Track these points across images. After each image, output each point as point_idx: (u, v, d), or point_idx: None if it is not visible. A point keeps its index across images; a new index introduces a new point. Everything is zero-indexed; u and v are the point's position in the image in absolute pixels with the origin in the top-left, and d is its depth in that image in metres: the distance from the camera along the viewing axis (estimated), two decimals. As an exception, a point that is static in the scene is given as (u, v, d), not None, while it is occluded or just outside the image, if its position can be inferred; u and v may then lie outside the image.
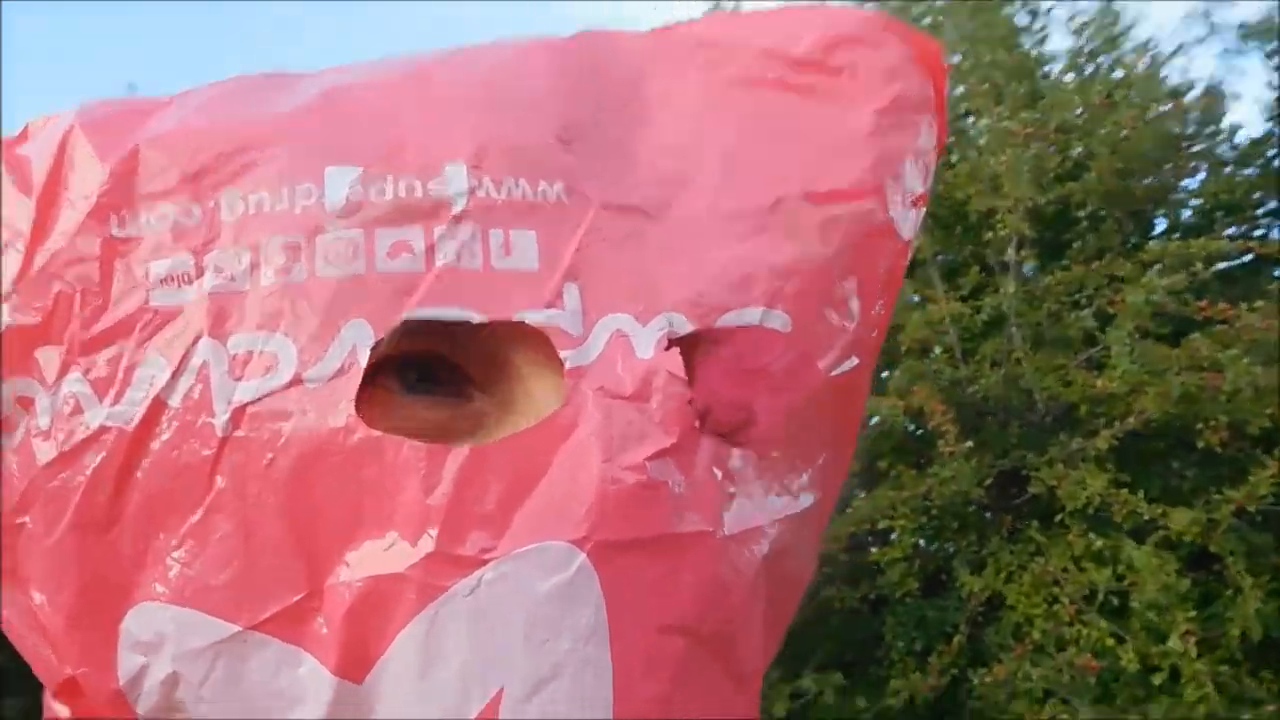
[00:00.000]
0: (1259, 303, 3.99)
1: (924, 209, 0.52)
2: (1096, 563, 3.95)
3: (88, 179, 0.46)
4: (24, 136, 0.51)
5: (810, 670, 4.11)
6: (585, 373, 0.41)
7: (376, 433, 0.41)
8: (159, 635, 0.42)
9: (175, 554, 0.42)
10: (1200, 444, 3.90)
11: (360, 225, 0.43)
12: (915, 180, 0.52)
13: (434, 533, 0.39)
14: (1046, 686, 3.86)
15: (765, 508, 0.45)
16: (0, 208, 0.47)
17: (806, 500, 0.48)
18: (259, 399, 0.41)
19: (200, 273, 0.43)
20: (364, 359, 0.41)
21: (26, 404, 0.45)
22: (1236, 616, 3.69)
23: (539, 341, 0.42)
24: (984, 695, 3.95)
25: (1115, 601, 3.89)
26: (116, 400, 0.42)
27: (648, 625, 0.40)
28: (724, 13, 0.52)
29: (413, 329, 0.42)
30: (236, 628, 0.40)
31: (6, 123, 0.54)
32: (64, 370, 0.44)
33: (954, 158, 4.79)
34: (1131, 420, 3.90)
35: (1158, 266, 4.28)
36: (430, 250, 0.43)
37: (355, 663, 0.39)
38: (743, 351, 0.45)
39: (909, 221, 0.51)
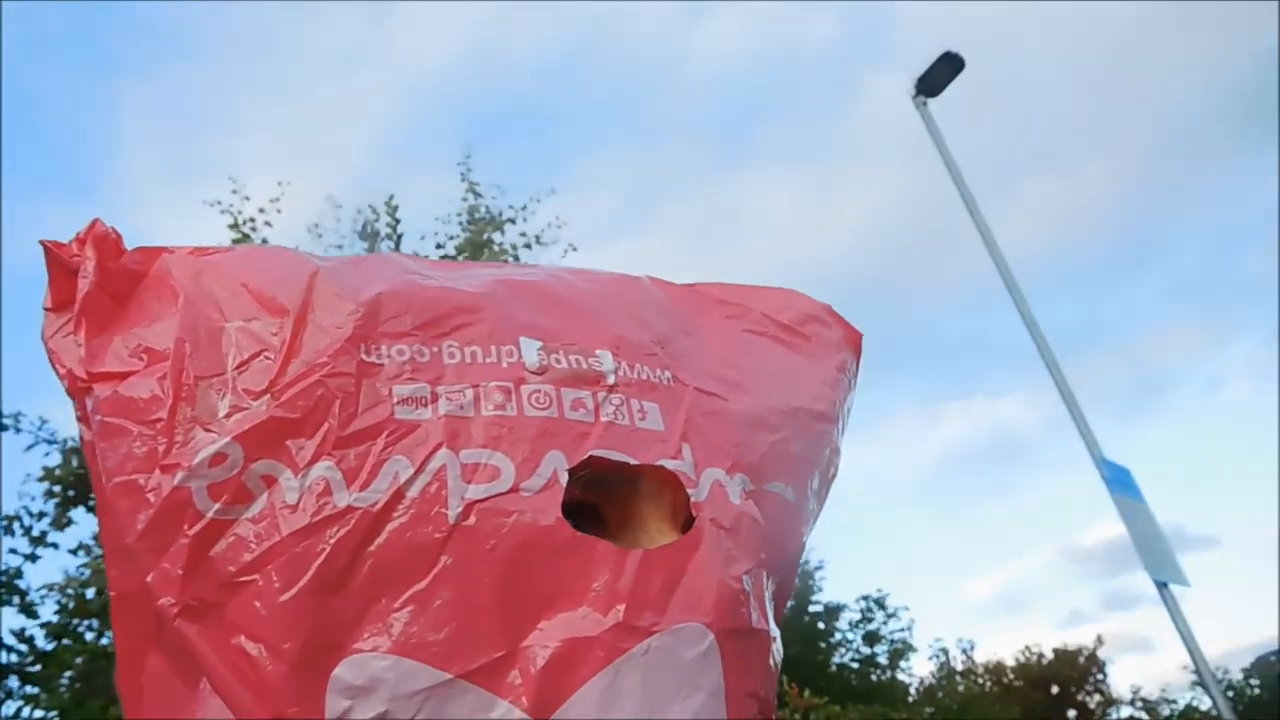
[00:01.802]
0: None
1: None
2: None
3: (337, 312, 0.59)
4: (156, 253, 0.62)
5: None
6: (701, 507, 0.59)
7: (581, 534, 0.55)
8: (374, 680, 0.51)
9: (398, 614, 0.52)
10: None
11: (550, 382, 0.60)
12: (846, 417, 0.76)
13: (621, 609, 0.54)
14: None
15: (775, 626, 0.64)
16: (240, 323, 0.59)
17: (775, 626, 0.66)
18: (487, 499, 0.54)
19: (435, 399, 0.57)
20: (564, 479, 0.56)
21: (269, 481, 0.54)
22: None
23: (659, 497, 0.60)
24: None
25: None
26: (364, 487, 0.54)
27: (742, 690, 0.56)
28: (732, 285, 0.79)
29: (577, 484, 0.57)
30: (449, 675, 0.51)
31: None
32: (316, 458, 0.54)
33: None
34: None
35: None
36: (597, 408, 0.60)
37: (543, 706, 0.51)
38: (770, 511, 0.65)
39: (842, 443, 0.76)
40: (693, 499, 0.59)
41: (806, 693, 4.72)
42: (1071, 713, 17.20)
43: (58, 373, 0.58)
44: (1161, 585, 4.61)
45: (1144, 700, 17.20)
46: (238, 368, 0.56)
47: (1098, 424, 5.60)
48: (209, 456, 0.54)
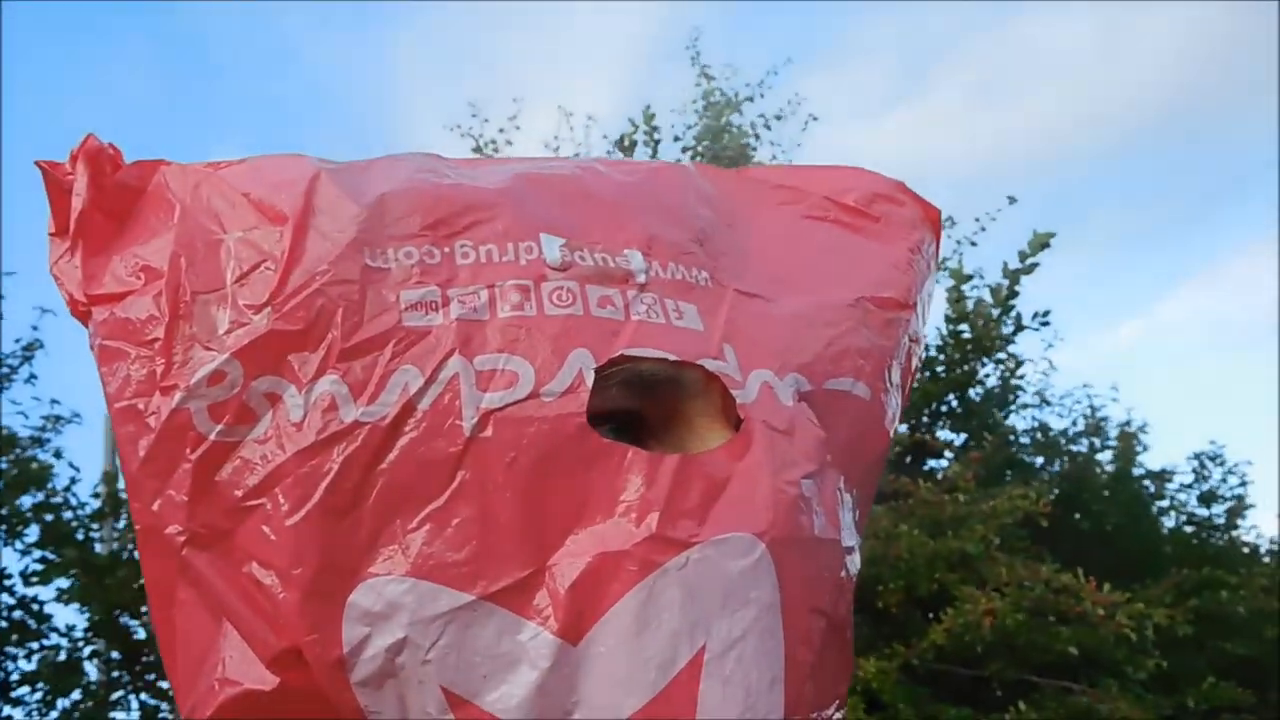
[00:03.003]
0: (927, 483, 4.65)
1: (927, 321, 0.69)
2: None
3: (340, 217, 0.54)
4: (214, 171, 0.58)
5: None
6: (749, 409, 0.54)
7: (605, 439, 0.51)
8: (391, 605, 0.48)
9: (414, 535, 0.49)
10: (879, 605, 4.41)
11: (574, 279, 0.55)
12: (927, 301, 0.69)
13: (655, 518, 0.49)
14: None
15: (853, 534, 0.58)
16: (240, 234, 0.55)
17: (856, 540, 0.60)
18: (504, 407, 0.50)
19: (446, 302, 0.52)
20: (590, 379, 0.51)
21: (274, 399, 0.51)
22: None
23: (707, 394, 0.54)
24: None
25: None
26: (371, 400, 0.50)
27: (804, 606, 0.51)
28: (789, 167, 0.69)
29: (613, 386, 0.53)
30: (471, 597, 0.48)
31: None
32: (320, 372, 0.51)
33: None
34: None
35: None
36: (627, 307, 0.55)
37: (573, 627, 0.48)
38: (839, 411, 0.59)
39: (924, 330, 0.69)
40: (739, 401, 0.54)
41: (1106, 587, 4.30)
42: None
43: (64, 300, 0.56)
44: None
45: None
46: (237, 281, 0.53)
47: None
48: (207, 375, 0.51)
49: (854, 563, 0.57)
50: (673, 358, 0.53)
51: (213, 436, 0.51)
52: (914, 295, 0.66)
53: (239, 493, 0.50)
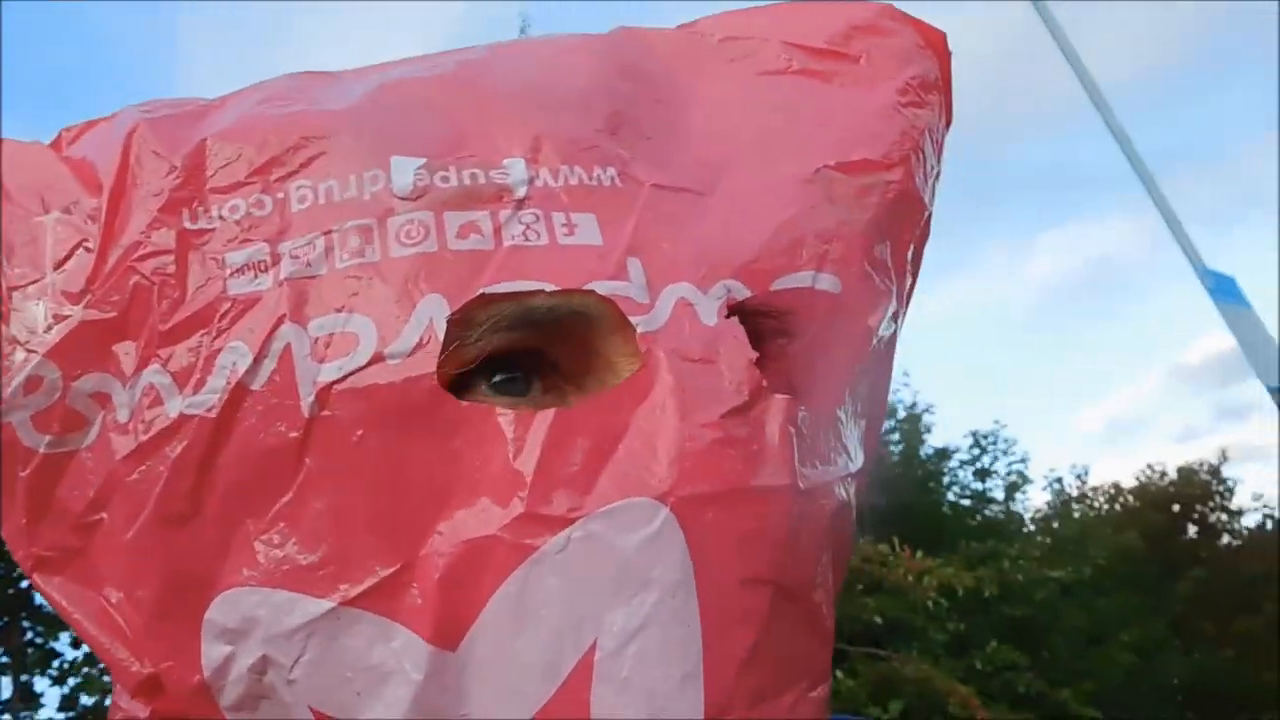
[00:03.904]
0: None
1: (937, 181, 0.56)
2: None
3: (157, 174, 0.47)
4: (60, 143, 0.52)
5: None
6: (655, 338, 0.43)
7: (463, 403, 0.42)
8: (247, 620, 0.42)
9: (264, 536, 0.42)
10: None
11: (429, 208, 0.45)
12: (931, 154, 0.55)
13: (523, 494, 0.40)
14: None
15: (831, 464, 0.47)
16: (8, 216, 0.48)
17: (859, 460, 0.49)
18: (343, 378, 0.42)
19: (276, 260, 0.44)
20: (441, 331, 0.42)
21: (103, 400, 0.45)
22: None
23: (627, 330, 0.43)
24: None
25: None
26: (197, 389, 0.43)
27: (732, 578, 0.41)
28: (743, 10, 0.55)
29: (512, 327, 0.43)
30: (331, 604, 0.41)
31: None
32: (143, 363, 0.44)
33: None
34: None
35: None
36: (498, 230, 0.44)
37: (449, 630, 0.40)
38: (799, 313, 0.47)
39: (929, 192, 0.55)
40: (641, 330, 0.43)
41: (919, 554, 4.55)
42: (1193, 529, 17.01)
43: None
44: (1275, 391, 4.53)
45: (1267, 507, 17.00)
46: (56, 268, 0.46)
47: (1197, 238, 5.37)
48: (21, 383, 0.45)
49: (834, 499, 0.46)
50: (548, 287, 0.43)
51: (42, 449, 0.45)
52: (902, 148, 0.53)
53: (78, 508, 0.45)
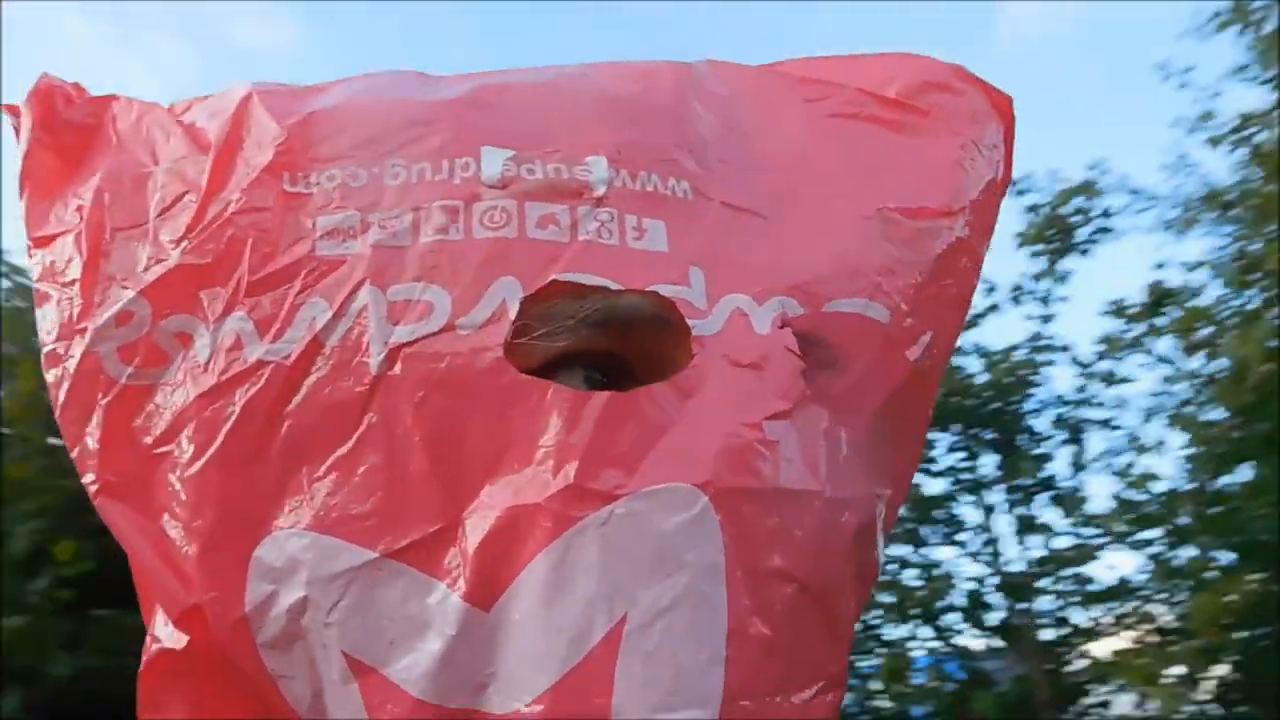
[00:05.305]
0: None
1: (991, 237, 0.58)
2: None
3: (264, 139, 0.50)
4: (173, 110, 0.56)
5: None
6: (709, 342, 0.46)
7: (525, 376, 0.44)
8: (293, 561, 0.44)
9: (320, 484, 0.44)
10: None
11: (513, 197, 0.48)
12: (989, 211, 0.58)
13: (572, 467, 0.42)
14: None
15: (860, 482, 0.49)
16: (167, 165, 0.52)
17: (885, 491, 0.51)
18: (414, 341, 0.44)
19: (365, 228, 0.47)
20: (514, 311, 0.44)
21: (185, 340, 0.48)
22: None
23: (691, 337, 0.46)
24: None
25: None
26: (277, 338, 0.46)
27: (761, 570, 0.43)
28: (822, 57, 0.60)
29: (596, 325, 0.46)
30: (374, 554, 0.43)
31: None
32: (229, 309, 0.47)
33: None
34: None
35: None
36: (574, 225, 0.47)
37: (486, 591, 0.42)
38: (846, 343, 0.50)
39: (983, 245, 0.57)
40: (697, 332, 0.46)
41: None
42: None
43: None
44: None
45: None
46: (160, 215, 0.50)
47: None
48: (114, 315, 0.48)
49: (860, 516, 0.48)
50: (614, 286, 0.46)
51: (123, 380, 0.48)
52: (961, 199, 0.55)
53: (149, 439, 0.47)
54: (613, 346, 0.47)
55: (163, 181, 0.51)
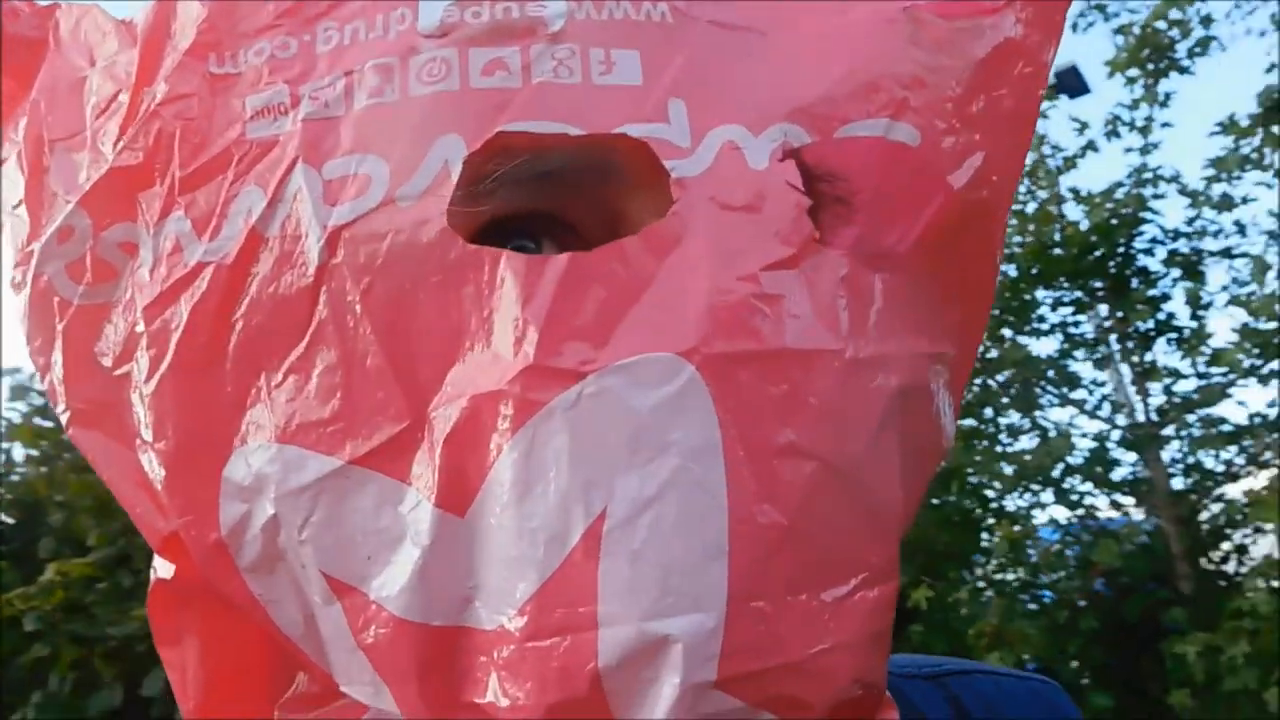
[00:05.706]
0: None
1: (1060, 38, 0.48)
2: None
3: (187, 21, 0.46)
4: (50, 11, 0.52)
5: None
6: (693, 184, 0.38)
7: (474, 246, 0.38)
8: (260, 476, 0.40)
9: (279, 391, 0.40)
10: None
11: (454, 44, 0.41)
12: (1054, 4, 0.47)
13: (531, 345, 0.36)
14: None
15: (903, 339, 0.41)
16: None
17: (944, 350, 0.43)
18: (352, 221, 0.39)
19: (296, 103, 0.42)
20: (456, 173, 0.39)
21: (130, 249, 0.44)
22: None
23: (658, 187, 0.39)
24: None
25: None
26: (214, 236, 0.41)
27: (768, 447, 0.36)
28: None
29: (522, 183, 0.40)
30: (339, 462, 0.38)
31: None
32: (166, 211, 0.43)
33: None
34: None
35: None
36: (526, 68, 0.41)
37: (457, 494, 0.37)
38: (864, 172, 0.42)
39: (1050, 49, 0.47)
40: (678, 175, 0.38)
41: None
42: None
43: None
44: None
45: None
46: (96, 118, 0.46)
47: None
48: (54, 232, 0.45)
49: (904, 379, 0.40)
50: (574, 131, 0.39)
51: (77, 300, 0.45)
52: None
53: (108, 361, 0.44)
54: (545, 205, 0.41)
55: (97, 84, 0.47)
